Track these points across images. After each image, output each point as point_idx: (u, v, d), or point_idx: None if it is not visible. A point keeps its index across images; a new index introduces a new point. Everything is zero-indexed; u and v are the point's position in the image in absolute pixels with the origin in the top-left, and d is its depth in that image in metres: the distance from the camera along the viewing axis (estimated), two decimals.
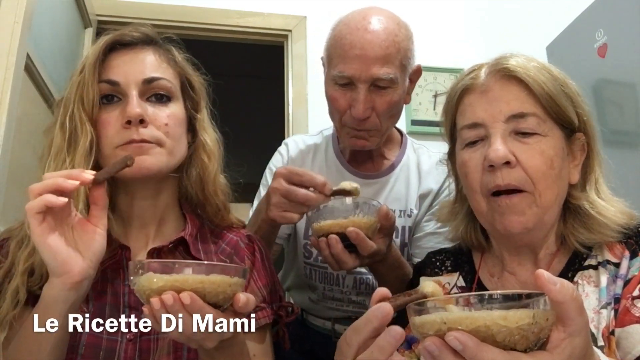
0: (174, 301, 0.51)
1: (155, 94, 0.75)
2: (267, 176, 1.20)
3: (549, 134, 0.68)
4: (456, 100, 0.75)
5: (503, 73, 0.70)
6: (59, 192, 0.57)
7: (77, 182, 0.58)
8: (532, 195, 0.66)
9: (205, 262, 0.59)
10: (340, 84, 0.99)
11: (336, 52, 0.99)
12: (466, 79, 0.74)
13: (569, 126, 0.70)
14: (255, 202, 1.16)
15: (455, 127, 0.76)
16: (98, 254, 0.62)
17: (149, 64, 0.76)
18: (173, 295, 0.51)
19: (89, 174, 0.60)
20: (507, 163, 0.66)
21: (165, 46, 0.81)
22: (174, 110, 0.76)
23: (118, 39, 0.76)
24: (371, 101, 0.97)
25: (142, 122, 0.71)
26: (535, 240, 0.72)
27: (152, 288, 0.53)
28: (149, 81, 0.74)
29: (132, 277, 0.55)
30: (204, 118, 0.83)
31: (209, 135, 0.83)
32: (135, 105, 0.71)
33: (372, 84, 0.96)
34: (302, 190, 0.85)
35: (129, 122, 0.71)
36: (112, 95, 0.73)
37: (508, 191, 0.67)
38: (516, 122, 0.67)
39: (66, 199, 0.58)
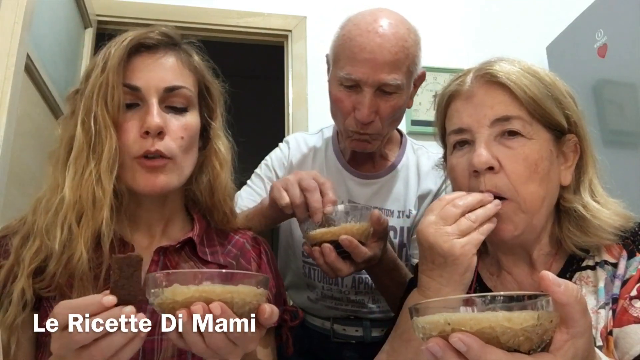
0: (204, 312, 0.49)
1: (174, 104, 0.73)
2: (263, 167, 1.21)
3: (534, 137, 0.67)
4: (444, 106, 0.76)
5: (487, 78, 0.70)
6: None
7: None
8: (516, 203, 0.66)
9: (231, 271, 0.56)
10: (346, 86, 0.98)
11: (345, 52, 0.97)
12: (453, 85, 0.74)
13: (557, 128, 0.69)
14: (244, 193, 1.16)
15: (445, 132, 0.76)
16: None
17: (170, 71, 0.73)
18: (203, 306, 0.49)
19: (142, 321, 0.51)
20: (491, 168, 0.66)
21: (186, 50, 0.79)
22: (190, 120, 0.74)
23: (142, 41, 0.73)
24: (376, 105, 0.97)
25: (159, 133, 0.69)
26: (527, 242, 0.72)
27: (177, 300, 0.50)
28: (171, 89, 0.72)
29: (153, 290, 0.51)
30: (219, 125, 0.81)
31: (223, 143, 0.81)
32: (156, 116, 0.69)
33: (378, 89, 0.96)
34: (317, 196, 0.83)
35: (147, 132, 0.69)
36: (132, 102, 0.71)
37: (494, 197, 0.67)
38: (501, 126, 0.67)
39: None
